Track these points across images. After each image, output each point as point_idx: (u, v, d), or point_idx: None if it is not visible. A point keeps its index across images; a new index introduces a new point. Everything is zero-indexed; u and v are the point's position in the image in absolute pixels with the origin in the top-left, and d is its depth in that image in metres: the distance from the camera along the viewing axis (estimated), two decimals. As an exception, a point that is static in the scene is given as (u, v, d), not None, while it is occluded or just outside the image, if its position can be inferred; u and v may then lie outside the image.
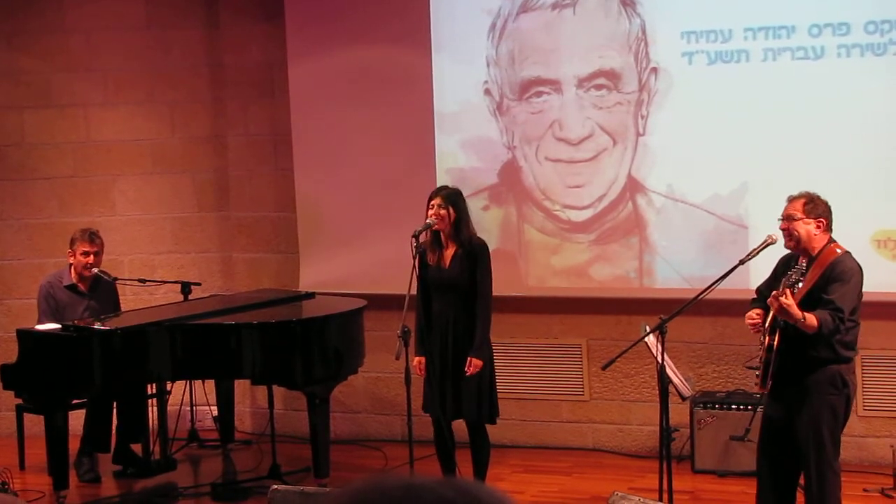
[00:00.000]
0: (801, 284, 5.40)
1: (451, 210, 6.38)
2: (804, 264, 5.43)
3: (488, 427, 6.52)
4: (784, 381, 5.47)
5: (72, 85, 8.47)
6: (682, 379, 5.86)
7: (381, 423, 8.19)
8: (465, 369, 6.29)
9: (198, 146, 8.53)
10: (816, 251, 5.46)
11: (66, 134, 8.49)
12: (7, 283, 8.54)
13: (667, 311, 5.79)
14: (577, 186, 7.51)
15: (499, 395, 6.58)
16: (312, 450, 6.80)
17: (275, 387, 7.50)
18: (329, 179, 8.06)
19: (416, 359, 6.39)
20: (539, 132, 7.55)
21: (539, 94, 7.53)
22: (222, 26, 8.40)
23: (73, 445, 6.98)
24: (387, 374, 7.95)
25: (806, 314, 5.27)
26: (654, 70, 7.28)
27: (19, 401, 7.25)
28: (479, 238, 6.48)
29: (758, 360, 5.60)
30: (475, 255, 6.38)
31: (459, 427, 6.58)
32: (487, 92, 7.65)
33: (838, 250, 5.47)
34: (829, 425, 5.45)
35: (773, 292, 5.33)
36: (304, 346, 6.67)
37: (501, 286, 6.94)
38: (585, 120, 7.44)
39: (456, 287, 6.36)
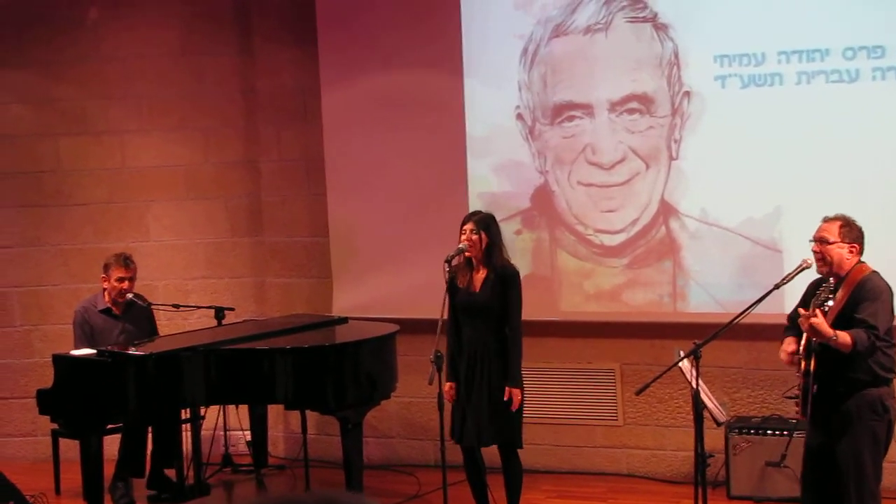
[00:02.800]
0: (830, 303, 5.36)
1: (484, 235, 6.38)
2: (833, 283, 5.40)
3: (521, 452, 6.49)
4: (824, 407, 5.41)
5: (107, 112, 8.52)
6: (716, 404, 5.82)
7: (414, 448, 8.17)
8: (505, 399, 6.25)
9: (231, 171, 8.56)
10: (845, 272, 5.44)
11: (101, 160, 8.54)
12: (43, 308, 8.59)
13: (701, 335, 5.75)
14: (610, 211, 7.48)
15: (532, 420, 6.61)
16: (346, 474, 6.78)
17: (308, 411, 7.48)
18: (362, 204, 8.06)
19: (447, 384, 6.38)
20: (571, 156, 7.53)
21: (571, 118, 7.51)
22: (255, 52, 8.44)
23: (108, 470, 6.99)
24: (419, 399, 7.92)
25: (838, 332, 5.23)
26: (687, 94, 7.24)
27: (55, 426, 7.27)
28: (512, 265, 6.46)
29: (796, 388, 5.55)
30: (506, 281, 6.35)
31: (492, 452, 6.54)
32: (520, 116, 7.64)
33: (865, 269, 5.44)
34: (870, 451, 5.38)
35: (802, 313, 5.29)
36: (337, 371, 6.66)
37: (534, 311, 6.92)
38: (618, 144, 7.41)
39: (485, 311, 6.34)
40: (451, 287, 6.39)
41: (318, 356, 6.68)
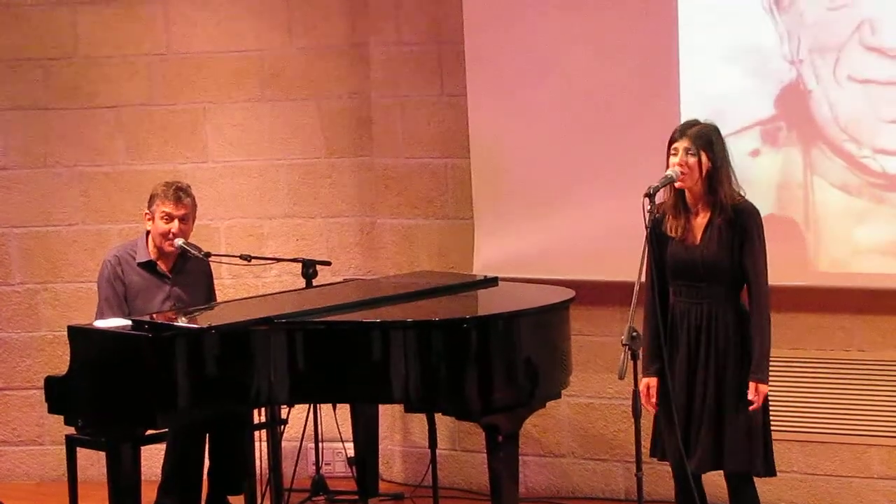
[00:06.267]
0: None
1: (704, 156, 6.34)
2: None
3: (759, 482, 6.44)
4: None
5: (147, -29, 8.64)
6: None
7: (595, 473, 8.20)
8: (749, 398, 6.23)
9: (327, 61, 8.61)
10: None
11: (137, 43, 8.63)
12: (54, 258, 8.72)
13: None
14: (898, 121, 7.43)
15: (776, 436, 6.52)
16: (493, 510, 6.85)
17: (438, 416, 7.52)
18: (518, 110, 8.10)
19: (645, 381, 6.39)
20: (840, 37, 7.45)
21: (840, -23, 7.46)
22: None
23: (148, 495, 7.08)
24: (604, 401, 7.99)
25: None
26: None
27: (71, 430, 7.40)
28: (746, 201, 6.42)
29: None
30: (742, 226, 6.32)
31: (714, 481, 6.52)
32: (760, -24, 7.61)
33: None
34: None
35: None
36: (481, 357, 6.68)
37: (779, 272, 6.84)
38: (913, 19, 7.34)
39: (712, 272, 6.32)
40: (656, 235, 6.37)
41: (455, 334, 6.68)
